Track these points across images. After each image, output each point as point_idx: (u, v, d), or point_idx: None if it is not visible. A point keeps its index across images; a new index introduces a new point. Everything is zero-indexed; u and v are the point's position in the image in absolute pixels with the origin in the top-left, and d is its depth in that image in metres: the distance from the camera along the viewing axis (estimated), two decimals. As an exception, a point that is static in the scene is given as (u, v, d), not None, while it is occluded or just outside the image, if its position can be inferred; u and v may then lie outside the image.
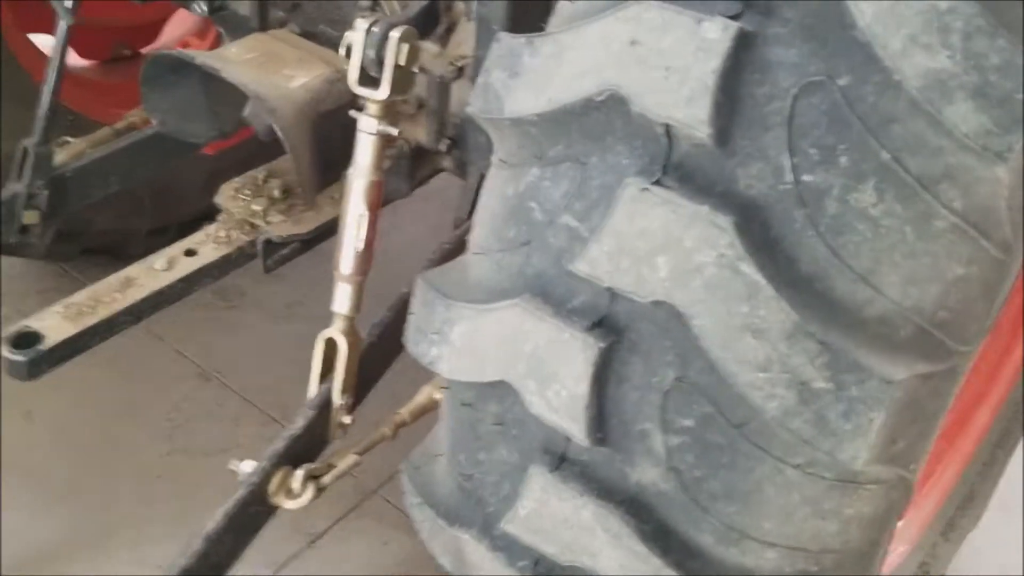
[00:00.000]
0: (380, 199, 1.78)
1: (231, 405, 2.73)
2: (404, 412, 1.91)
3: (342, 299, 1.80)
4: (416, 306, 1.36)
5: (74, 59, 2.91)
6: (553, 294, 1.17)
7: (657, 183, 1.08)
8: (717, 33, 1.05)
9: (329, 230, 2.22)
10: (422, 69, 2.04)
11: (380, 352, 1.95)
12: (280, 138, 1.90)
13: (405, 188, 2.24)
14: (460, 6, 2.09)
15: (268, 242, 2.15)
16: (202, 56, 1.97)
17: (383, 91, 1.69)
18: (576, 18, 1.19)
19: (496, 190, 1.28)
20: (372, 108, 1.71)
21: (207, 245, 2.12)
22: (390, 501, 2.56)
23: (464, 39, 2.05)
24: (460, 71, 2.03)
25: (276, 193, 2.20)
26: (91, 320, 1.93)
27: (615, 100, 1.10)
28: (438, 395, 1.88)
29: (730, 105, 1.06)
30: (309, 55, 2.07)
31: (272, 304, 3.03)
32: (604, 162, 1.15)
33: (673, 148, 1.09)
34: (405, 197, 2.25)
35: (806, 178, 1.04)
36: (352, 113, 1.74)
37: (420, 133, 2.14)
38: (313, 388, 1.87)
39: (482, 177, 1.96)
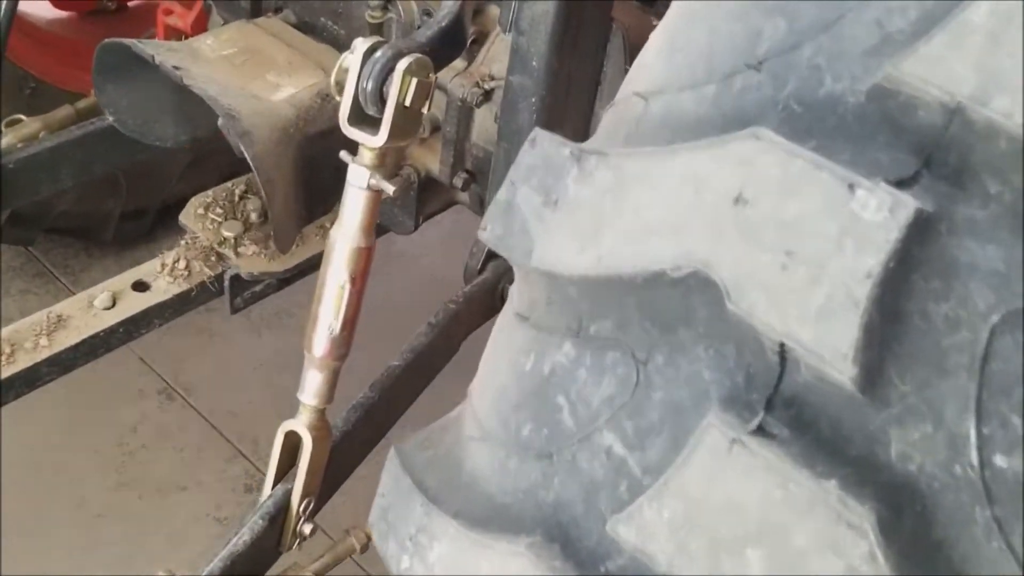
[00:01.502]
0: (368, 268, 1.39)
1: (194, 431, 2.36)
2: (381, 517, 1.54)
3: (311, 387, 1.42)
4: (386, 486, 0.98)
5: (47, 9, 2.50)
6: (578, 546, 0.79)
7: (758, 430, 0.69)
8: (880, 212, 0.65)
9: (313, 266, 1.85)
10: (440, 87, 1.65)
11: (355, 442, 1.58)
12: (252, 166, 1.51)
13: (409, 224, 1.85)
14: (493, 10, 1.68)
15: (237, 278, 1.77)
16: (164, 53, 1.57)
17: (380, 136, 1.29)
18: (653, 132, 0.80)
19: (509, 353, 0.89)
20: (366, 156, 1.32)
21: (162, 278, 1.74)
22: None
23: (496, 55, 1.65)
24: (487, 95, 1.63)
25: (253, 216, 1.82)
26: (6, 371, 1.57)
27: (699, 282, 0.71)
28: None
29: (889, 329, 0.66)
30: (302, 58, 1.67)
31: (258, 310, 2.65)
32: (673, 366, 0.76)
33: (787, 374, 0.70)
34: (408, 234, 1.86)
35: (1000, 462, 0.65)
36: (343, 156, 1.35)
37: (432, 161, 1.75)
38: (268, 487, 1.50)
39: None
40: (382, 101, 1.29)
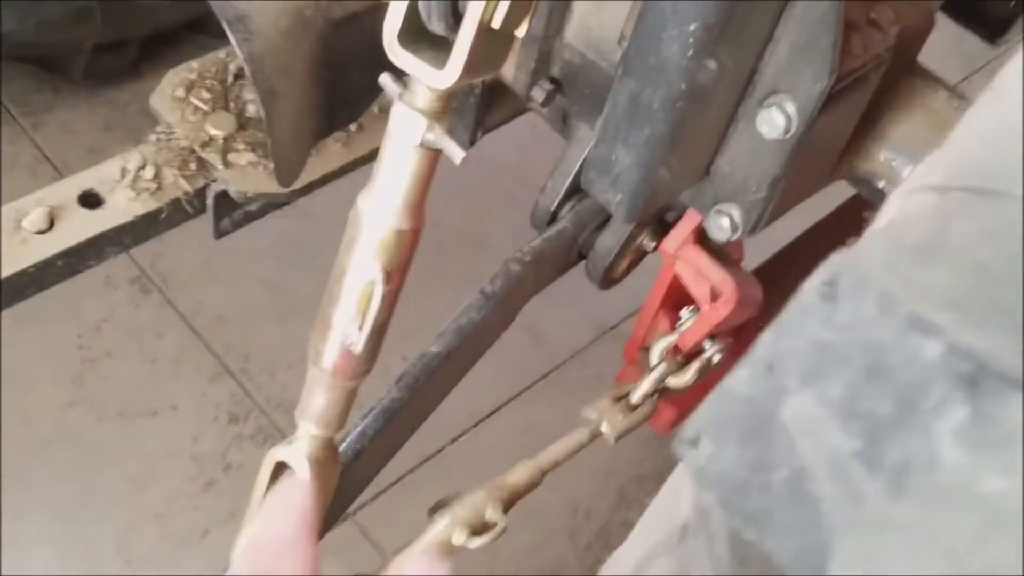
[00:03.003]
0: (410, 259, 0.92)
1: (172, 338, 1.92)
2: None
3: (314, 410, 0.97)
4: None
5: None
6: None
7: None
8: None
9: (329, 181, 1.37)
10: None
11: (370, 460, 1.15)
12: (247, 72, 1.01)
13: (464, 138, 1.36)
14: None
15: (224, 196, 1.30)
16: None
17: (449, 71, 0.80)
18: None
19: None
20: (422, 97, 0.83)
21: (120, 190, 1.26)
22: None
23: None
24: (598, -20, 1.12)
25: (252, 109, 1.32)
26: None
27: None
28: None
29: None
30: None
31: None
32: None
33: None
34: (463, 150, 1.37)
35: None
36: (384, 83, 0.86)
37: (505, 62, 1.25)
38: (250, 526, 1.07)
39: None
40: (456, 16, 0.79)
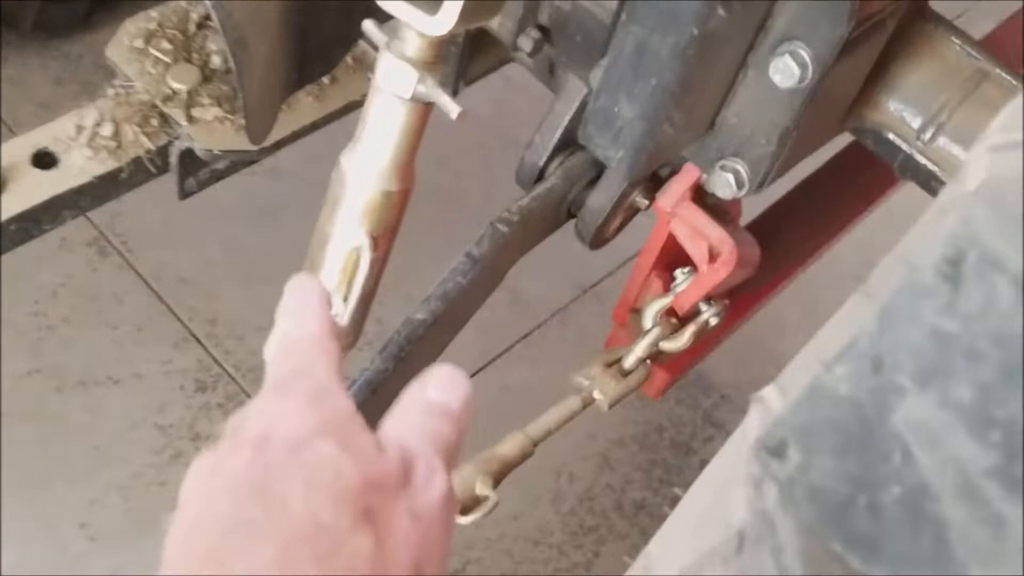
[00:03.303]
0: (399, 222, 0.85)
1: (133, 303, 1.83)
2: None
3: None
4: None
5: None
6: None
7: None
8: None
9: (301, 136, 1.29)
10: None
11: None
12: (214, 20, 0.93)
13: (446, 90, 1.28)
14: None
15: (188, 154, 1.21)
16: None
17: (444, 17, 0.72)
18: None
19: None
20: (413, 45, 0.75)
21: (77, 149, 1.17)
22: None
23: None
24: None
25: (217, 60, 1.24)
26: None
27: None
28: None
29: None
30: None
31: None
32: None
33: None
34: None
35: None
36: (367, 30, 0.78)
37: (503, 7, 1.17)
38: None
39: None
40: (453, -48, 0.71)
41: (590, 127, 0.92)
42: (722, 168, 0.95)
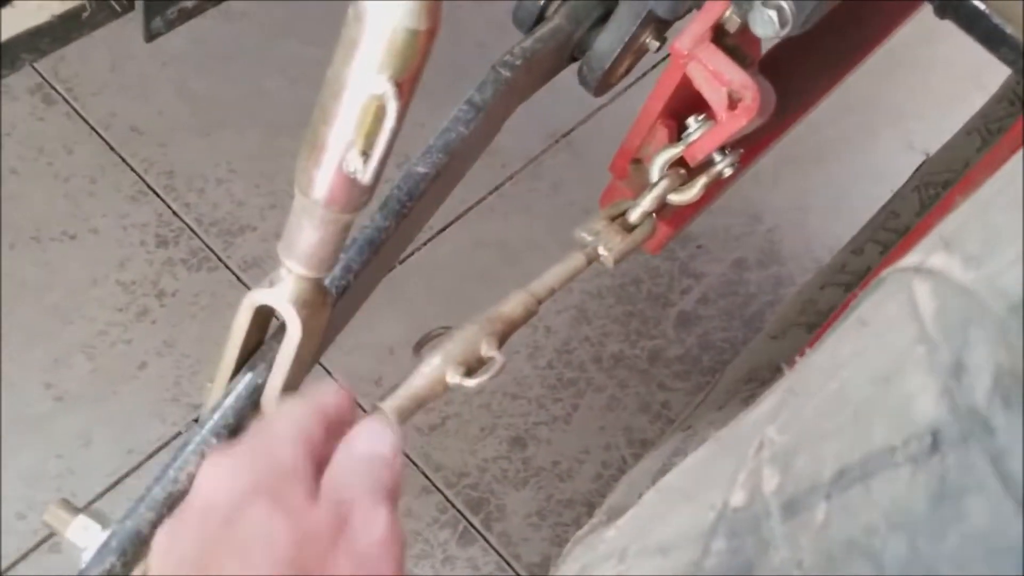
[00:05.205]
0: (423, 65, 0.77)
1: (84, 153, 1.71)
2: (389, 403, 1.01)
3: (303, 248, 0.83)
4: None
5: None
6: None
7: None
8: None
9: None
10: None
11: (354, 295, 1.03)
12: None
13: None
14: None
15: (156, -9, 1.10)
16: None
17: None
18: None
19: None
20: None
21: (32, -15, 1.06)
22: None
23: None
24: None
25: None
26: None
27: None
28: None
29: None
30: None
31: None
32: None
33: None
34: None
35: None
36: None
37: None
38: (223, 378, 0.95)
39: None
40: None
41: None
42: (764, 3, 0.87)
